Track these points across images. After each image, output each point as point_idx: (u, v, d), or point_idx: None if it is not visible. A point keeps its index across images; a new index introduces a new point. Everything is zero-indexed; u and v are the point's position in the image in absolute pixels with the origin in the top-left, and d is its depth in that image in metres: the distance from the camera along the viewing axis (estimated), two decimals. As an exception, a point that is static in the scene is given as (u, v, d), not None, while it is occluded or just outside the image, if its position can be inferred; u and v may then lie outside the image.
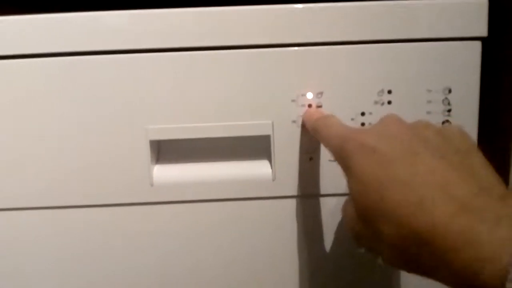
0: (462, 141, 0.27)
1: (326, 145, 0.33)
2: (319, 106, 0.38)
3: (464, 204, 0.22)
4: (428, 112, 0.38)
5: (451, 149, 0.26)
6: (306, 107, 0.38)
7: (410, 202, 0.24)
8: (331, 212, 0.40)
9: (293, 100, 0.38)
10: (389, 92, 0.38)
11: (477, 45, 0.37)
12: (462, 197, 0.23)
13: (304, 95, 0.37)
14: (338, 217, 0.40)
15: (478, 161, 0.25)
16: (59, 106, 0.37)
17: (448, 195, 0.23)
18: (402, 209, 0.24)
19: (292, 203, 0.40)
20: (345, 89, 0.38)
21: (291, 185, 0.39)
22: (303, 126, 0.38)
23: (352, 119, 0.38)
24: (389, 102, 0.38)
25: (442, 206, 0.23)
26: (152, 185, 0.39)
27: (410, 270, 0.25)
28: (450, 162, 0.25)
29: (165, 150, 0.41)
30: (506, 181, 0.40)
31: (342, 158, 0.29)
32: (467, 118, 0.38)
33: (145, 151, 0.38)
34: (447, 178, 0.24)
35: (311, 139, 0.38)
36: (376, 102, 0.38)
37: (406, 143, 0.26)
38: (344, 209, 0.30)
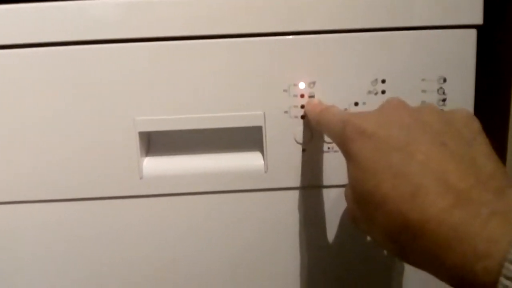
0: (467, 127, 0.26)
1: (328, 133, 0.32)
2: (311, 96, 0.37)
3: (459, 197, 0.22)
4: (423, 102, 0.37)
5: (454, 135, 0.25)
6: (299, 97, 0.37)
7: (404, 192, 0.23)
8: (324, 203, 0.39)
9: (285, 90, 0.37)
10: (383, 81, 0.37)
11: (472, 33, 0.37)
12: (457, 189, 0.22)
13: (296, 85, 0.37)
14: (330, 208, 0.39)
15: (481, 149, 0.25)
16: (46, 97, 0.36)
17: (443, 187, 0.22)
18: (395, 199, 0.23)
19: (285, 195, 0.39)
20: (338, 79, 0.37)
21: (283, 177, 0.38)
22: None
23: (346, 109, 0.37)
24: (383, 92, 0.37)
25: (436, 199, 0.22)
26: (141, 177, 0.38)
27: (405, 260, 0.25)
28: (450, 150, 0.24)
29: (155, 142, 0.40)
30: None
31: (342, 143, 0.28)
32: (462, 107, 0.37)
33: (134, 143, 0.37)
34: (444, 167, 0.23)
35: (304, 130, 0.37)
36: (369, 92, 0.37)
37: (405, 129, 0.25)
38: (346, 191, 0.29)
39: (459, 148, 0.24)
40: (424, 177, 0.23)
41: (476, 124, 0.26)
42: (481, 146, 0.25)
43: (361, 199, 0.26)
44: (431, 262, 0.22)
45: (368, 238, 0.40)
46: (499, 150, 0.40)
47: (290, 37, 0.36)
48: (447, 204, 0.22)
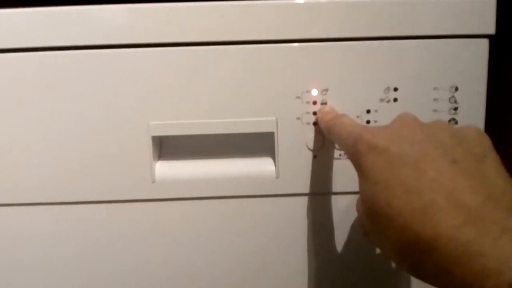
0: (478, 145, 0.26)
1: (340, 144, 0.33)
2: (324, 103, 0.37)
3: (470, 214, 0.22)
4: (435, 110, 0.37)
5: (465, 152, 0.25)
6: (311, 104, 0.37)
7: (415, 208, 0.23)
8: (335, 210, 0.40)
9: (297, 97, 0.37)
10: (395, 89, 0.37)
11: (485, 42, 0.37)
12: (468, 207, 0.22)
13: (309, 92, 0.37)
14: (341, 215, 0.40)
15: (492, 166, 0.25)
16: (60, 102, 0.37)
17: (454, 204, 0.22)
18: (406, 215, 0.24)
19: (296, 201, 0.39)
20: (351, 86, 0.37)
21: (294, 183, 0.39)
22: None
23: (358, 117, 0.37)
24: (395, 100, 0.37)
25: (446, 215, 0.22)
26: (154, 181, 0.38)
27: (415, 275, 0.25)
28: (462, 167, 0.24)
29: (167, 147, 0.40)
30: None
31: (354, 157, 0.28)
32: (473, 116, 0.38)
33: (147, 147, 0.38)
34: (455, 185, 0.23)
35: (316, 137, 0.38)
36: (382, 100, 0.37)
37: (417, 145, 0.26)
38: (357, 205, 0.30)
39: (470, 165, 0.24)
40: (435, 193, 0.23)
41: (487, 142, 0.26)
42: (492, 164, 0.25)
43: (372, 213, 0.26)
44: (441, 278, 0.23)
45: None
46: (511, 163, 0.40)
47: (303, 44, 0.36)
48: (457, 221, 0.22)
